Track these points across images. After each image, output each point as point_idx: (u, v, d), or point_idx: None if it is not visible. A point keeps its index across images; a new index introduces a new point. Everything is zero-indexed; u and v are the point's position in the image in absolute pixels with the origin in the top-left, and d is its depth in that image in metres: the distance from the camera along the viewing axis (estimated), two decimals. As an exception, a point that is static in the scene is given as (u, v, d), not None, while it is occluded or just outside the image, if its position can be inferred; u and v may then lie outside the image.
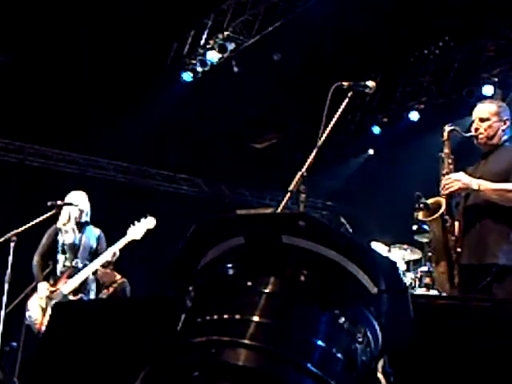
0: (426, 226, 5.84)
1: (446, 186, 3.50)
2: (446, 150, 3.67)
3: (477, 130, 3.61)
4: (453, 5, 8.34)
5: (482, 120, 3.61)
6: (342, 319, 1.24)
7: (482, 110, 3.65)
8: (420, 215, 3.70)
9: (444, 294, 3.85)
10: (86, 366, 3.90)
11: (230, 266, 1.32)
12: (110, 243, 10.14)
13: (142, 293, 10.31)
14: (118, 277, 7.95)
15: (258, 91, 9.91)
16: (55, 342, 4.39)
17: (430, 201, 3.65)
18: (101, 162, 10.72)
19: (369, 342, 1.29)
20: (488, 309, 2.52)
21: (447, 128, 3.69)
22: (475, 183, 3.42)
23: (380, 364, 1.26)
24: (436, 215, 3.55)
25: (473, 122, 3.66)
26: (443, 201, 3.56)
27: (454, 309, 2.63)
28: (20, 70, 8.89)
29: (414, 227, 6.51)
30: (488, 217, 3.44)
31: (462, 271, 3.49)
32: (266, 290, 1.23)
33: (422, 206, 3.63)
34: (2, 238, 4.86)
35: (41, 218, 5.08)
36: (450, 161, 3.64)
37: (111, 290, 7.73)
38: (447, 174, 3.58)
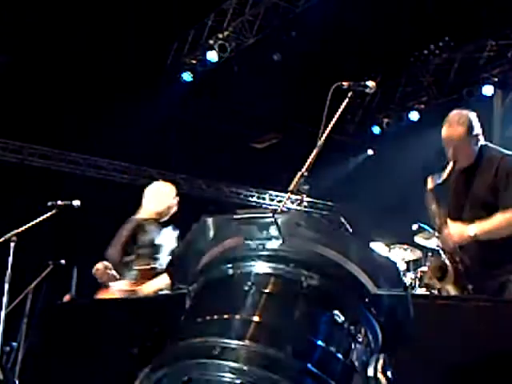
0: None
1: (445, 245, 3.48)
2: (434, 205, 3.58)
3: (454, 155, 3.49)
4: (453, 4, 8.35)
5: (454, 145, 3.48)
6: (342, 319, 1.24)
7: (452, 135, 3.52)
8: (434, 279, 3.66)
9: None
10: (85, 366, 3.91)
11: (230, 266, 1.31)
12: (110, 243, 10.11)
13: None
14: (118, 277, 7.92)
15: (258, 91, 9.91)
16: (55, 342, 4.39)
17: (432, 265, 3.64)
18: (101, 162, 10.72)
19: (369, 341, 1.29)
20: (488, 309, 2.52)
21: (431, 179, 3.60)
22: (471, 232, 3.35)
23: (380, 364, 1.26)
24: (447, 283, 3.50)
25: (444, 146, 3.53)
26: (449, 266, 3.49)
27: (454, 309, 2.63)
28: (20, 70, 8.90)
29: (414, 227, 6.51)
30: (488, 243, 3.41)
31: (469, 277, 3.47)
32: (266, 290, 1.23)
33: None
34: (2, 238, 4.85)
35: (41, 218, 5.07)
36: (441, 212, 3.56)
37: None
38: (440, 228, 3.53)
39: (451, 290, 3.52)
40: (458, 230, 3.43)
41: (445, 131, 3.58)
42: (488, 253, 3.41)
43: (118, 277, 8.00)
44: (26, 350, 5.95)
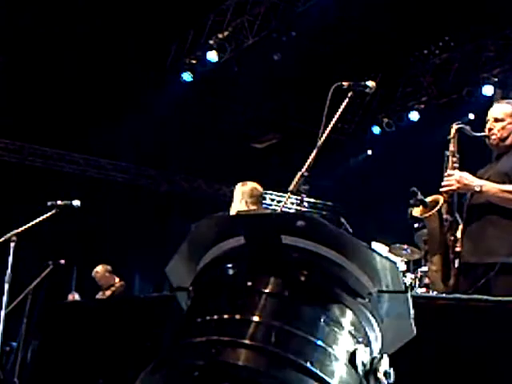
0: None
1: (445, 184, 3.48)
2: (452, 148, 3.60)
3: (490, 130, 3.53)
4: (453, 4, 8.35)
5: (496, 120, 3.52)
6: (342, 319, 1.24)
7: (498, 110, 3.58)
8: (415, 211, 3.66)
9: (435, 293, 3.85)
10: (85, 366, 3.91)
11: (229, 265, 1.32)
12: (110, 243, 10.13)
13: (142, 294, 10.31)
14: (117, 280, 7.92)
15: (258, 91, 9.91)
16: (55, 342, 4.40)
17: (428, 198, 3.61)
18: (101, 162, 10.72)
19: (369, 341, 1.29)
20: (488, 309, 2.53)
21: (455, 126, 3.63)
22: (478, 184, 3.37)
23: (380, 364, 1.26)
24: (432, 212, 3.51)
25: (487, 121, 3.59)
26: (441, 198, 3.54)
27: (453, 309, 2.63)
28: (20, 71, 8.90)
29: (416, 225, 6.49)
30: (490, 215, 3.42)
31: (461, 268, 3.48)
32: (266, 290, 1.23)
33: (418, 202, 3.61)
34: (2, 238, 4.85)
35: (41, 218, 5.07)
36: (454, 159, 3.58)
37: (109, 292, 7.72)
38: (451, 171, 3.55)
39: (433, 227, 3.55)
40: (467, 176, 3.43)
41: (493, 106, 3.66)
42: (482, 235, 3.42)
43: (117, 279, 8.00)
44: (31, 351, 5.96)
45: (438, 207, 3.50)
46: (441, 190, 3.52)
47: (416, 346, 1.43)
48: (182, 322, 1.31)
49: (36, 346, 5.76)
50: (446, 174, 3.53)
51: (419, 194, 3.63)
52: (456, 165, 3.57)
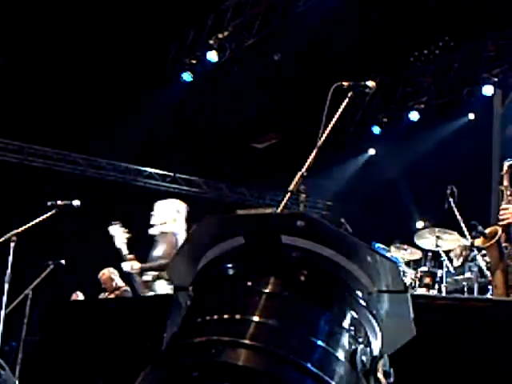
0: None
1: (502, 218, 3.71)
2: (505, 183, 3.83)
3: None
4: (453, 4, 8.35)
5: None
6: (342, 319, 1.24)
7: None
8: (477, 242, 3.98)
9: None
10: (85, 366, 3.91)
11: (229, 266, 1.32)
12: (109, 243, 10.13)
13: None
14: (122, 284, 7.91)
15: (258, 91, 9.91)
16: (55, 342, 4.40)
17: (487, 230, 3.89)
18: (101, 162, 10.72)
19: (369, 341, 1.29)
20: (488, 309, 2.53)
21: (507, 163, 3.86)
22: None
23: (380, 364, 1.26)
24: (492, 241, 3.77)
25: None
26: (499, 229, 3.77)
27: (453, 309, 2.63)
28: (20, 71, 8.90)
29: (420, 225, 6.53)
30: None
31: None
32: (266, 290, 1.23)
33: (478, 234, 3.93)
34: (2, 238, 4.84)
35: (41, 218, 5.07)
36: (508, 193, 3.81)
37: (112, 296, 7.72)
38: (506, 204, 3.77)
39: (493, 255, 3.82)
40: None
41: None
42: None
43: (122, 284, 7.98)
44: (25, 349, 5.96)
45: (496, 237, 3.78)
46: (498, 223, 3.76)
47: (416, 345, 1.43)
48: (182, 322, 1.31)
49: (31, 343, 5.76)
50: (501, 207, 3.77)
51: (479, 226, 3.98)
52: (511, 198, 3.79)
